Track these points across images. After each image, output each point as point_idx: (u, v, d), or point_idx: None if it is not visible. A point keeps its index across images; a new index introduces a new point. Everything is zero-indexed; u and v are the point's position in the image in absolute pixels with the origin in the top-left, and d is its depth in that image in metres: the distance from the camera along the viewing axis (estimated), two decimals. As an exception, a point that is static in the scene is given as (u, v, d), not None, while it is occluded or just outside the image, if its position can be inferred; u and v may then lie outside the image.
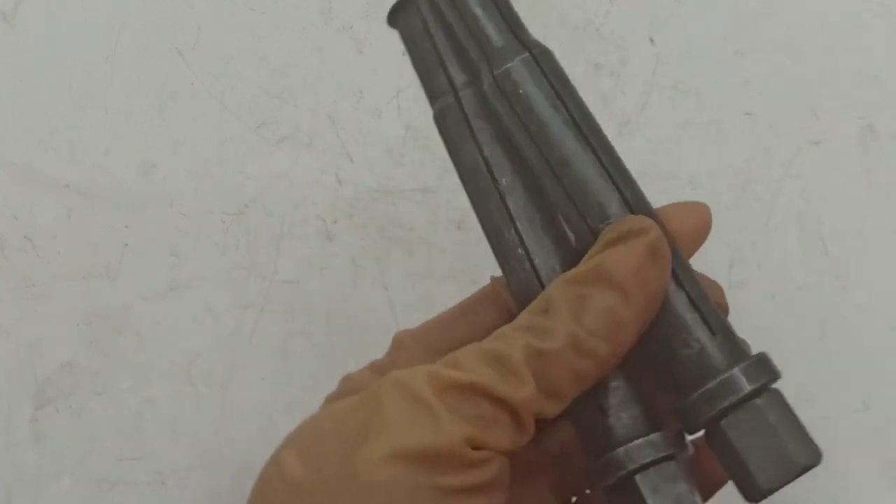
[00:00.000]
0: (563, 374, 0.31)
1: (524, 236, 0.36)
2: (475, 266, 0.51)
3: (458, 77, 0.37)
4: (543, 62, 0.36)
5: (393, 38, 0.53)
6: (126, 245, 0.52)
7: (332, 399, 0.36)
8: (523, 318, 0.33)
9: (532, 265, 0.36)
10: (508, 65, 0.36)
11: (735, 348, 0.33)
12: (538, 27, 0.54)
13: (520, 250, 0.36)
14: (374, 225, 0.52)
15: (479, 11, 0.37)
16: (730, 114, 0.53)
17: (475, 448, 0.30)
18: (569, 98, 0.36)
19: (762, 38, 0.53)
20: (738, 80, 0.53)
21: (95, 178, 0.53)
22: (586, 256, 0.33)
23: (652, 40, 0.53)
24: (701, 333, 0.33)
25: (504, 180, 0.36)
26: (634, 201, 0.35)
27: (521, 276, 0.36)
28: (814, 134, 0.52)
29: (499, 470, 0.31)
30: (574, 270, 0.33)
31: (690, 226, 0.35)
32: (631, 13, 0.54)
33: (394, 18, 0.39)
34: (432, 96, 0.38)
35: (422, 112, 0.54)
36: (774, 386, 0.33)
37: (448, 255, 0.52)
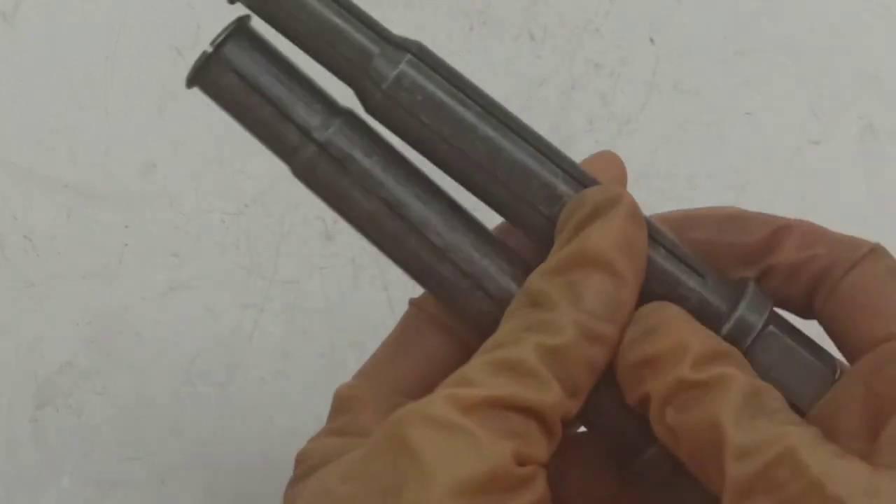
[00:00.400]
0: (581, 367, 0.29)
1: (463, 265, 0.31)
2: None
3: (312, 120, 0.32)
4: (426, 59, 0.32)
5: (393, 38, 0.53)
6: (126, 245, 0.52)
7: (294, 484, 0.31)
8: (515, 318, 0.30)
9: (486, 292, 0.31)
10: (395, 72, 0.31)
11: (727, 284, 0.32)
12: (537, 27, 0.54)
13: (464, 282, 0.31)
14: (374, 225, 0.52)
15: (337, 21, 0.31)
16: (730, 114, 0.53)
17: (521, 465, 0.28)
18: (468, 87, 0.32)
19: (762, 38, 0.53)
20: (738, 80, 0.53)
21: (95, 178, 0.53)
22: (557, 244, 0.31)
23: (652, 40, 0.53)
24: (692, 281, 0.32)
25: (415, 212, 0.32)
26: (577, 173, 0.32)
27: (476, 308, 0.32)
28: (814, 134, 0.52)
29: (545, 484, 0.29)
30: (554, 259, 0.31)
31: (612, 175, 0.34)
32: (631, 13, 0.54)
33: (200, 84, 0.33)
34: (285, 155, 0.33)
35: (422, 112, 0.54)
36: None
37: (448, 255, 0.52)
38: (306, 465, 0.31)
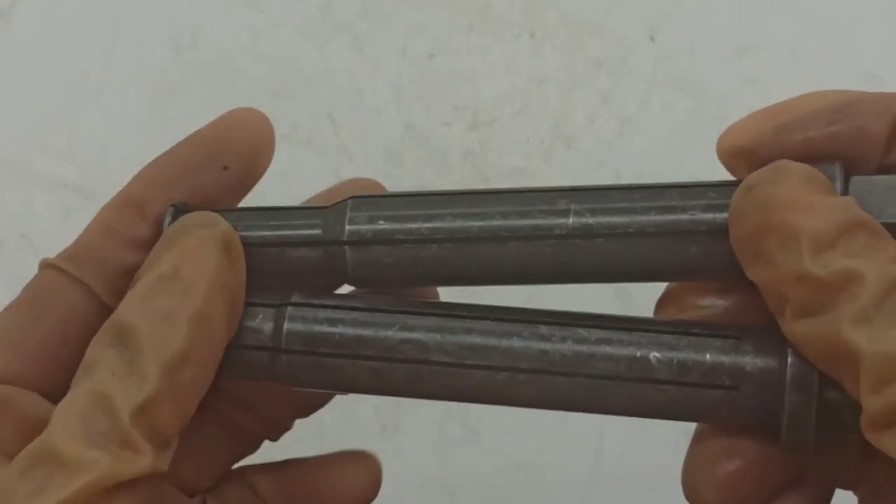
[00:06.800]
0: (171, 420, 0.26)
1: (495, 362, 0.27)
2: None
3: (264, 328, 0.28)
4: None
5: (393, 36, 0.53)
6: (124, 244, 0.52)
7: None
8: (102, 361, 0.26)
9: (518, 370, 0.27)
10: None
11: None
12: (537, 25, 0.54)
13: (501, 376, 0.28)
14: (374, 224, 0.52)
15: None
16: (730, 113, 0.52)
17: None
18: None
19: (763, 36, 0.53)
20: (739, 79, 0.53)
21: (93, 176, 0.52)
22: (143, 266, 0.29)
23: (652, 39, 0.53)
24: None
25: (414, 341, 0.27)
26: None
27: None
28: (814, 133, 0.52)
29: None
30: (142, 282, 0.28)
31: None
32: (631, 11, 0.54)
33: None
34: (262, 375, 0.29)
35: (422, 111, 0.54)
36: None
37: (447, 255, 0.51)
38: None
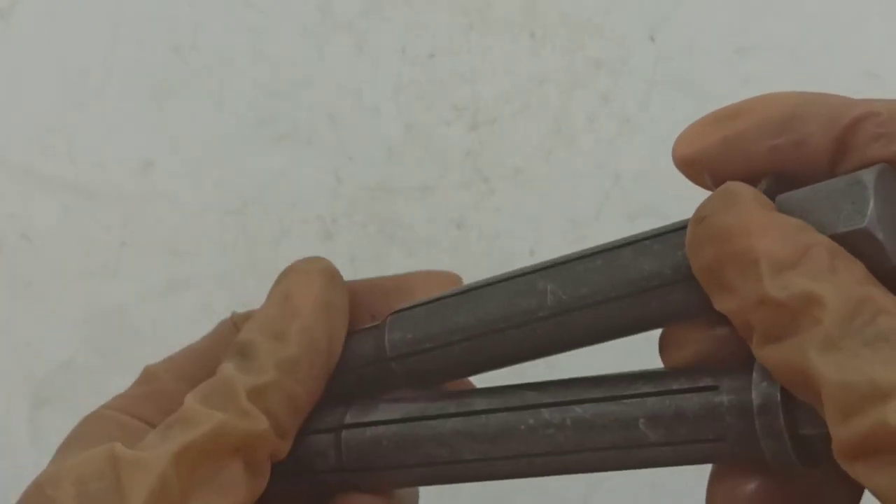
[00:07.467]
0: (284, 404, 0.31)
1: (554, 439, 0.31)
2: (475, 265, 0.51)
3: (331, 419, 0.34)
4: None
5: (393, 36, 0.53)
6: (124, 244, 0.52)
7: (73, 443, 0.33)
8: (225, 367, 0.32)
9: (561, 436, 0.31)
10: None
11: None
12: (537, 25, 0.54)
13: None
14: (374, 224, 0.52)
15: None
16: (730, 113, 0.53)
17: None
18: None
19: (763, 36, 0.53)
20: (739, 79, 0.53)
21: (93, 177, 0.52)
22: (265, 303, 0.34)
23: (652, 38, 0.53)
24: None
25: (446, 446, 0.32)
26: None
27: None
28: (814, 133, 0.52)
29: None
30: (260, 314, 0.33)
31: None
32: (631, 11, 0.54)
33: None
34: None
35: (422, 110, 0.54)
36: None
37: (448, 255, 0.51)
38: (92, 428, 0.34)
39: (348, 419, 0.34)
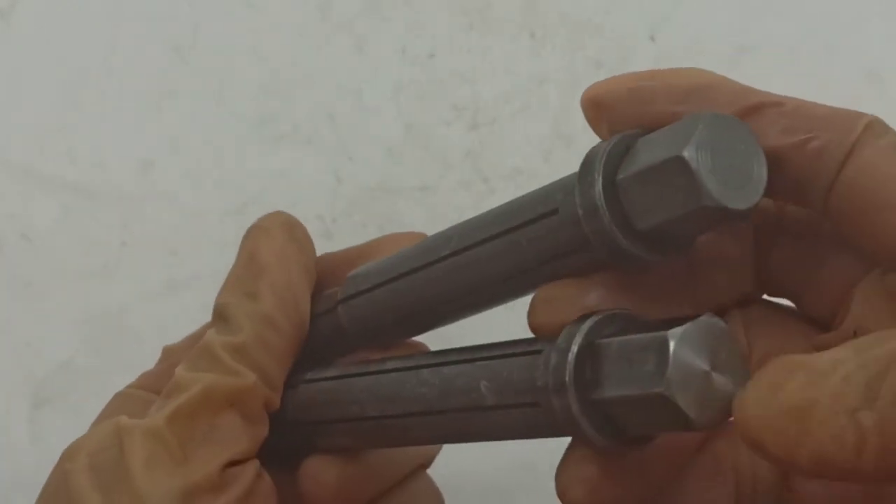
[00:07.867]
0: (266, 356, 0.33)
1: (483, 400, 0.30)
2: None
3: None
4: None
5: (393, 36, 0.53)
6: (124, 244, 0.52)
7: (99, 420, 0.36)
8: (207, 334, 0.34)
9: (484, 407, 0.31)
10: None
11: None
12: (537, 25, 0.54)
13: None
14: (374, 224, 0.52)
15: None
16: (730, 113, 0.53)
17: (228, 467, 0.31)
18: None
19: (763, 36, 0.53)
20: (739, 79, 0.53)
21: (93, 177, 0.52)
22: (233, 266, 0.37)
23: (652, 38, 0.53)
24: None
25: (358, 403, 0.33)
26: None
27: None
28: (814, 133, 0.52)
29: (252, 473, 0.32)
30: (231, 276, 0.36)
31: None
32: (631, 11, 0.53)
33: None
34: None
35: (422, 111, 0.54)
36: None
37: (447, 255, 0.51)
38: (118, 403, 0.37)
39: (308, 375, 0.35)
